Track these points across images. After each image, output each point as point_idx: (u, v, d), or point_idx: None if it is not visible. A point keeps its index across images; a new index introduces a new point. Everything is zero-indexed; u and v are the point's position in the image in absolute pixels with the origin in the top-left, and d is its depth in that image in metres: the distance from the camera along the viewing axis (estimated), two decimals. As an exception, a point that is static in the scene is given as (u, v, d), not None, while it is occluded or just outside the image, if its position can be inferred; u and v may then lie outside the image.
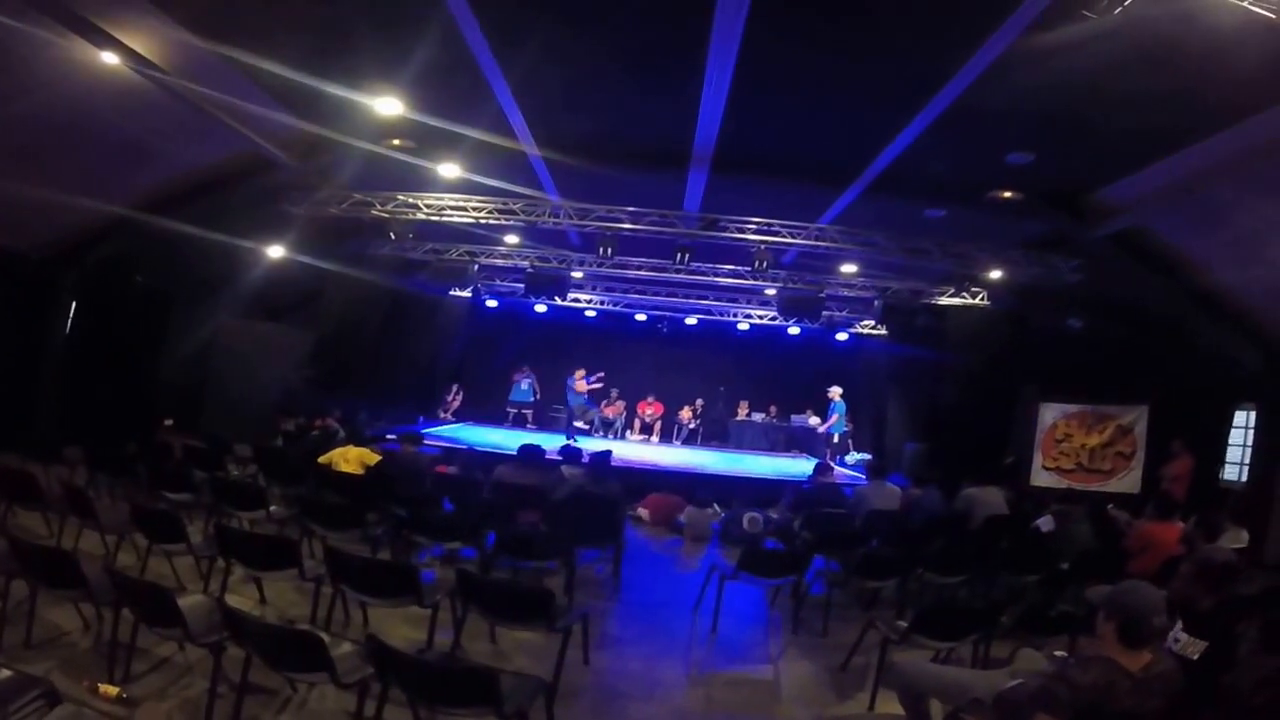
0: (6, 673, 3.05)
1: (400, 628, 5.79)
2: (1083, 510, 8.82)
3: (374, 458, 8.54)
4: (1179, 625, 4.05)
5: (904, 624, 5.43)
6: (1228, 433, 12.32)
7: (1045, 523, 8.85)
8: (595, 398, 19.67)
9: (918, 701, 4.56)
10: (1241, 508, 9.66)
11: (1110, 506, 9.72)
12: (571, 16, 6.77)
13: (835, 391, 17.49)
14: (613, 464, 9.25)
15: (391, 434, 11.41)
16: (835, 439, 17.64)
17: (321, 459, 8.53)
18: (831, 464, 11.40)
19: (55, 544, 6.47)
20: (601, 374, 19.61)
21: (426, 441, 12.56)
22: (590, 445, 11.94)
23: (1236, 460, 12.16)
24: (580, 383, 19.19)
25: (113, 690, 4.33)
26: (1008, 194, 10.01)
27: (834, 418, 17.52)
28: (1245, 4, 4.95)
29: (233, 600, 5.71)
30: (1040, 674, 3.81)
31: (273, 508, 7.50)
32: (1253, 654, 3.63)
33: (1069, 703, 3.11)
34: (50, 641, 5.00)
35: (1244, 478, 11.84)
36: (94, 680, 4.41)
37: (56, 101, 8.04)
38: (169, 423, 11.22)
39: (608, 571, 8.04)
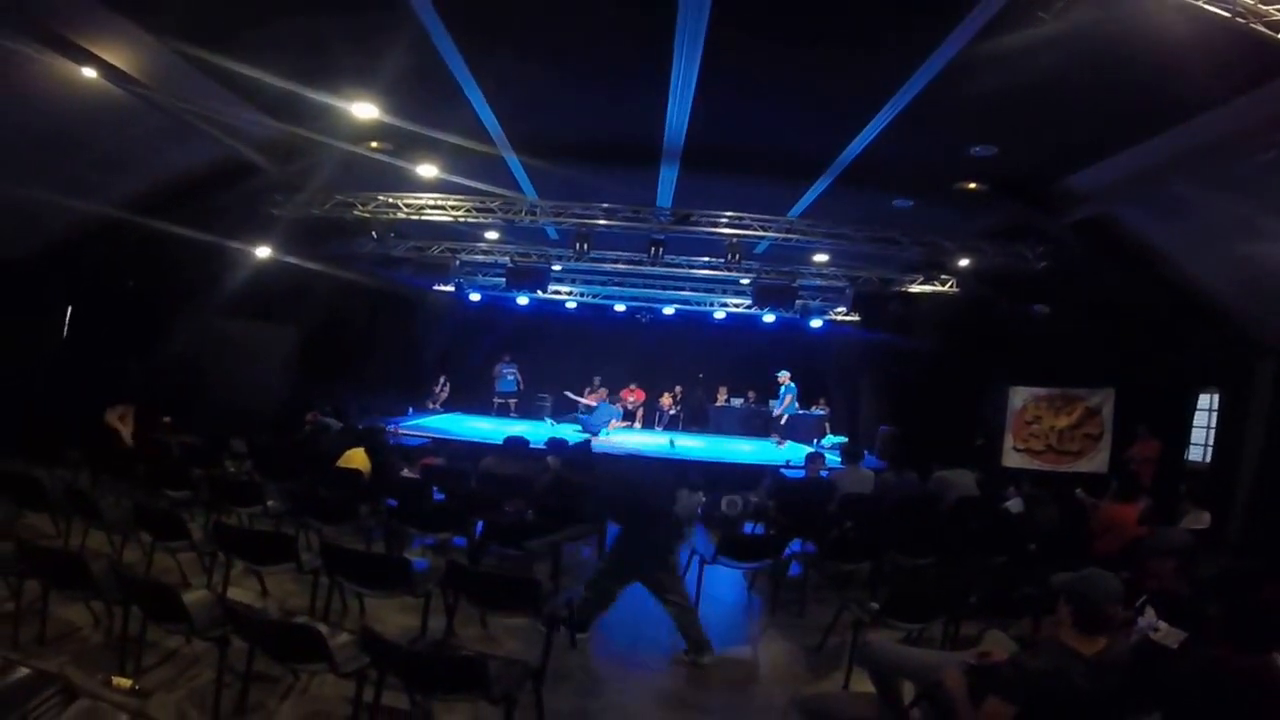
0: (24, 671, 3.15)
1: (396, 615, 6.09)
2: (1050, 493, 9.08)
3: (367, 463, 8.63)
4: (1151, 614, 4.17)
5: (876, 605, 5.66)
6: (1192, 415, 12.42)
7: (1014, 504, 9.16)
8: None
9: (889, 681, 4.77)
10: (1204, 489, 9.85)
11: (1079, 491, 9.99)
12: (537, 24, 6.92)
13: (784, 376, 17.91)
14: (593, 452, 9.43)
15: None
16: (784, 420, 18.07)
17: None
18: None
19: (63, 544, 6.74)
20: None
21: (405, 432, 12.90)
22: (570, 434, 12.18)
23: (1201, 442, 12.23)
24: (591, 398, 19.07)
25: (125, 682, 4.59)
26: (973, 185, 10.15)
27: (788, 399, 17.94)
28: (1199, 3, 5.13)
29: (235, 593, 6.00)
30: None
31: (269, 502, 7.73)
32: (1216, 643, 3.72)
33: (1020, 687, 3.33)
34: (63, 637, 5.25)
35: (1209, 459, 11.90)
36: (107, 674, 4.68)
37: (40, 113, 8.19)
38: (167, 420, 11.41)
39: (593, 555, 8.34)
